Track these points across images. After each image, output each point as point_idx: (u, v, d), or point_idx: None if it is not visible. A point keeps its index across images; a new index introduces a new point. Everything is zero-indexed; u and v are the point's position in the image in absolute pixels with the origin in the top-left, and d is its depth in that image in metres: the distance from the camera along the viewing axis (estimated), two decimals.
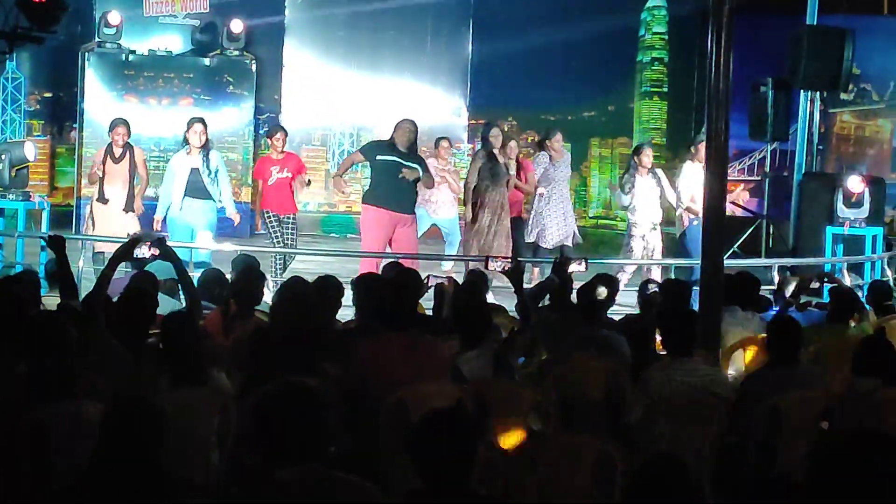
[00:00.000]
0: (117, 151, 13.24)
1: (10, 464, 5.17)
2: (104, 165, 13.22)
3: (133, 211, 13.24)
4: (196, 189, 12.96)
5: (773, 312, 8.90)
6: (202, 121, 13.29)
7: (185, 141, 13.10)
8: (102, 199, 13.23)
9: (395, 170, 12.37)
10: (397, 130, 12.53)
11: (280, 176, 13.39)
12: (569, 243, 14.33)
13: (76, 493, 4.25)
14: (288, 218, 13.44)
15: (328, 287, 7.87)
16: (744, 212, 17.70)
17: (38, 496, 4.98)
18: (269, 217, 13.38)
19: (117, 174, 13.23)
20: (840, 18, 16.43)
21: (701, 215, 13.27)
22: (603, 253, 16.30)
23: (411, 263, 10.63)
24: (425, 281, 8.44)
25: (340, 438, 5.66)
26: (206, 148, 13.03)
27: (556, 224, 14.31)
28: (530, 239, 14.37)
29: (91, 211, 13.39)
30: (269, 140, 13.74)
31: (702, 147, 13.63)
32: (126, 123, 13.41)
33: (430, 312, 8.78)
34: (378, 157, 12.55)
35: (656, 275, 12.98)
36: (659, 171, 14.19)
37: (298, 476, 4.33)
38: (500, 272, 8.47)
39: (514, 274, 8.04)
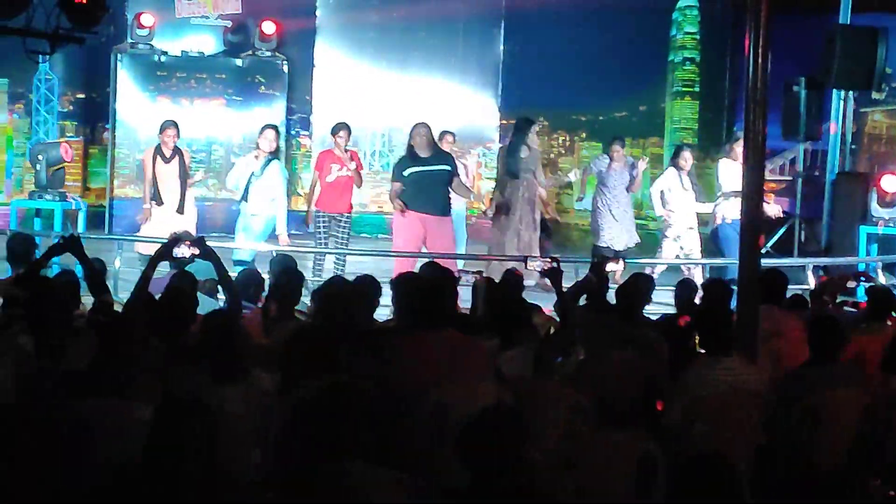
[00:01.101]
0: (167, 153, 13.33)
1: (52, 460, 5.20)
2: (154, 167, 13.30)
3: (184, 212, 13.34)
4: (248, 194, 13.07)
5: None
6: (274, 128, 13.37)
7: (258, 146, 13.16)
8: (159, 200, 13.32)
9: (421, 178, 12.44)
10: (413, 138, 12.59)
11: (340, 174, 13.39)
12: (622, 246, 14.37)
13: (127, 491, 4.29)
14: (342, 217, 13.44)
15: (366, 286, 7.92)
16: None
17: (81, 494, 5.02)
18: (320, 217, 13.40)
19: (169, 175, 13.31)
20: (871, 17, 16.38)
21: (729, 215, 13.57)
22: (634, 252, 16.28)
23: (447, 263, 10.66)
24: (457, 276, 8.48)
25: (379, 436, 5.69)
26: (273, 154, 13.06)
27: (608, 224, 14.38)
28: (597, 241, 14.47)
29: (148, 213, 13.49)
30: (333, 137, 13.61)
31: (737, 145, 13.70)
32: (176, 125, 13.50)
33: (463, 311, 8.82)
34: (404, 174, 12.61)
35: (696, 275, 13.02)
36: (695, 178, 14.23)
37: (342, 472, 4.36)
38: (540, 272, 8.49)
39: (554, 273, 8.05)
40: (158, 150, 13.43)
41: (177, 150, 13.41)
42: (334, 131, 13.57)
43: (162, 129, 13.47)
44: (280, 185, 13.18)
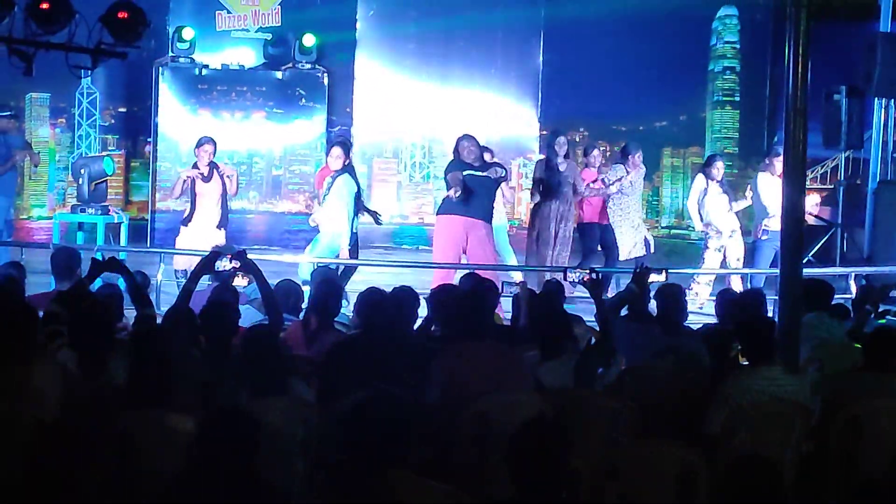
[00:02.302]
0: (205, 171, 13.19)
1: (96, 473, 5.24)
2: (193, 185, 13.21)
3: (225, 227, 13.30)
4: None
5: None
6: (341, 144, 13.31)
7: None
8: (191, 219, 13.23)
9: (472, 182, 12.45)
10: (462, 151, 12.57)
11: None
12: (641, 252, 14.28)
13: (170, 501, 4.33)
14: None
15: (406, 298, 7.93)
16: (817, 220, 17.58)
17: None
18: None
19: (207, 193, 13.21)
20: None
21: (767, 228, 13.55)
22: (676, 262, 16.23)
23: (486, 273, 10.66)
24: (499, 289, 8.49)
25: (421, 447, 5.70)
26: (341, 171, 12.89)
27: (628, 235, 14.25)
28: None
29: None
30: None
31: (777, 160, 13.65)
32: (214, 142, 13.31)
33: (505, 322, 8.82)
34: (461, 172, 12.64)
35: (735, 283, 12.98)
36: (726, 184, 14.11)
37: (385, 482, 4.38)
38: (580, 283, 8.48)
39: (594, 284, 8.05)
40: (196, 168, 13.34)
41: (213, 166, 13.30)
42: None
43: (199, 145, 13.36)
44: (335, 197, 12.85)
